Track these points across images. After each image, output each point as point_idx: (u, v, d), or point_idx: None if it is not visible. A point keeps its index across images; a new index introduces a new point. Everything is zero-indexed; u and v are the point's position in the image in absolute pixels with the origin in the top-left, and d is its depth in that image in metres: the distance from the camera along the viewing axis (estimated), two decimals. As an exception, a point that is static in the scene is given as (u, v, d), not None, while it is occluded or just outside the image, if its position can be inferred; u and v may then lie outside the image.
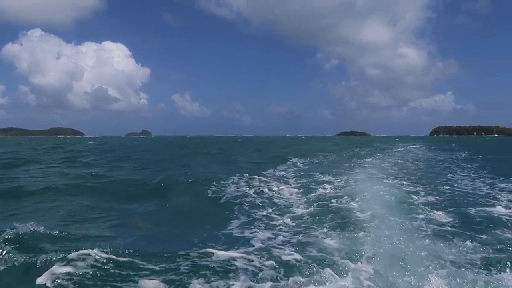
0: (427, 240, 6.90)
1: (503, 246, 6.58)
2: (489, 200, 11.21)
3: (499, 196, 11.83)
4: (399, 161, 26.12)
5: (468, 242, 6.81)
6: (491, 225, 8.03)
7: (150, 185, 14.48)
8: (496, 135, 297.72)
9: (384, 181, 14.85)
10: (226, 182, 14.33)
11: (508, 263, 5.68)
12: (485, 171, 18.88)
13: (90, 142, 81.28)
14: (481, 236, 7.25)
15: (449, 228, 7.91)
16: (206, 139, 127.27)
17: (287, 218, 8.95)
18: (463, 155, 33.18)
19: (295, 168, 20.94)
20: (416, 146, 52.67)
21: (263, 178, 15.79)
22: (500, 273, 5.36)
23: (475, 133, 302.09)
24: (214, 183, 13.83)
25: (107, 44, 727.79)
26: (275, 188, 13.12)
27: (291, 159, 26.34)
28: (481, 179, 16.36)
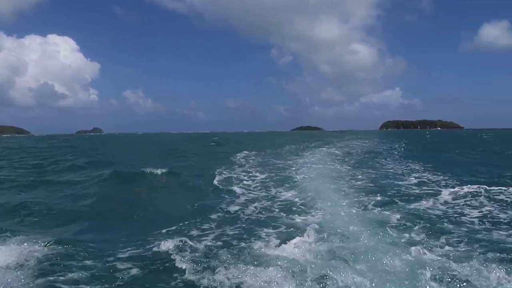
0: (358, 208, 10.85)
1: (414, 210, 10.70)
2: (403, 176, 15.66)
3: (410, 174, 16.36)
4: (344, 151, 30.74)
5: (387, 211, 10.85)
6: (404, 196, 12.25)
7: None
8: (439, 128, 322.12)
9: (328, 166, 19.03)
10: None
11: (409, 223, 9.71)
12: (409, 159, 23.79)
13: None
14: (394, 200, 11.35)
15: (375, 199, 11.95)
16: (158, 136, 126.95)
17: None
18: (396, 145, 39.12)
19: (251, 160, 24.63)
20: (362, 140, 58.49)
21: (225, 171, 19.29)
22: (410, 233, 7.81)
23: (419, 127, 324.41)
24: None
25: (53, 38, 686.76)
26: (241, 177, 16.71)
27: (249, 151, 29.60)
28: (405, 163, 21.12)
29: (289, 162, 21.44)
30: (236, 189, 12.84)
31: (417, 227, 7.85)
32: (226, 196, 11.77)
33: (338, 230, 7.43)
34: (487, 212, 9.30)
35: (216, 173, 16.27)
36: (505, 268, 5.35)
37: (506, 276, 5.13)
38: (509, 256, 5.99)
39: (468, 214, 9.11)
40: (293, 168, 18.22)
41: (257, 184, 13.95)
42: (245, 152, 28.68)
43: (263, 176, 15.87)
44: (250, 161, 22.75)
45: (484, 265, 5.51)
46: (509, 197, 10.75)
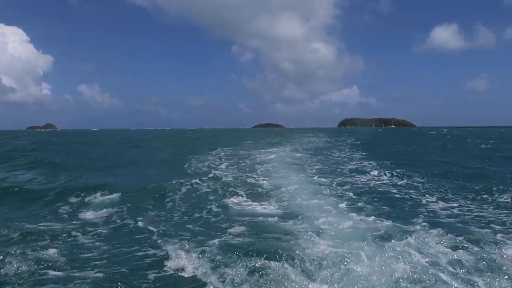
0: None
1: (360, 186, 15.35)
2: (345, 162, 20.51)
3: (352, 161, 21.28)
4: (302, 146, 35.65)
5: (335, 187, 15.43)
6: (343, 174, 16.94)
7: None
8: (393, 126, 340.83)
9: (288, 157, 23.65)
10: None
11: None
12: (359, 151, 28.97)
13: None
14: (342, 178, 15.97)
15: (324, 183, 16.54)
16: (115, 132, 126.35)
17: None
18: (348, 141, 44.87)
19: (221, 156, 28.80)
20: (319, 137, 64.10)
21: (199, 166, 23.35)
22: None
23: (373, 125, 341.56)
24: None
25: (0, 27, 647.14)
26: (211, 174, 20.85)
27: (217, 149, 33.34)
28: (350, 153, 26.21)
29: (253, 155, 25.82)
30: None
31: (349, 192, 12.46)
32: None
33: (296, 197, 11.87)
34: (396, 184, 14.17)
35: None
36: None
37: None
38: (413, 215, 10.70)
39: (378, 186, 13.92)
40: (257, 161, 22.60)
41: (228, 174, 18.19)
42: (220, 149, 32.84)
43: (233, 168, 20.13)
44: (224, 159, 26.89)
45: (398, 224, 10.05)
46: (418, 178, 15.75)
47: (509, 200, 10.73)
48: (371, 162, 20.57)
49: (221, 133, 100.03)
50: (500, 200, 10.82)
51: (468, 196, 11.47)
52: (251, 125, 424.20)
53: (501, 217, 8.86)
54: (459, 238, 6.61)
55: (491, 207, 9.97)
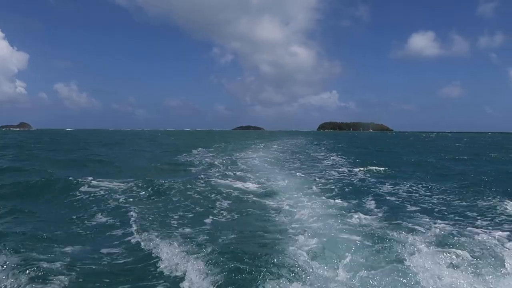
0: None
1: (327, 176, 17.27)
2: (323, 161, 22.52)
3: (329, 159, 23.32)
4: (281, 147, 37.63)
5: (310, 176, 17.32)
6: (321, 170, 18.87)
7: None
8: (371, 130, 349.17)
9: (269, 156, 25.51)
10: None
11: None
12: (332, 152, 31.11)
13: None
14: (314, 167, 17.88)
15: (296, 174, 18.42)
16: (91, 132, 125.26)
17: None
18: (324, 142, 47.39)
19: (202, 156, 30.41)
20: (299, 139, 66.41)
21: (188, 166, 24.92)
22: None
23: (351, 129, 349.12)
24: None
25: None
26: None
27: (197, 149, 34.93)
28: (327, 153, 28.29)
29: (237, 155, 27.57)
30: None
31: (321, 183, 14.36)
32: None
33: (275, 188, 13.69)
34: (364, 178, 16.20)
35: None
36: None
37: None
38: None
39: (347, 179, 15.91)
40: (241, 160, 24.36)
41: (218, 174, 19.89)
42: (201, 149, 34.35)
43: (221, 165, 21.84)
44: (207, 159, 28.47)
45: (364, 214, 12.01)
46: (383, 173, 17.84)
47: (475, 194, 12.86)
48: (347, 160, 22.68)
49: (201, 135, 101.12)
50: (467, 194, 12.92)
51: (435, 191, 13.57)
52: (231, 127, 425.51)
53: (465, 208, 10.25)
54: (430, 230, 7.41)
55: (458, 200, 12.01)
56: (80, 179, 12.83)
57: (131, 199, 10.51)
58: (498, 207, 9.73)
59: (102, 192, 11.35)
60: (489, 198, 10.99)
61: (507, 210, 9.43)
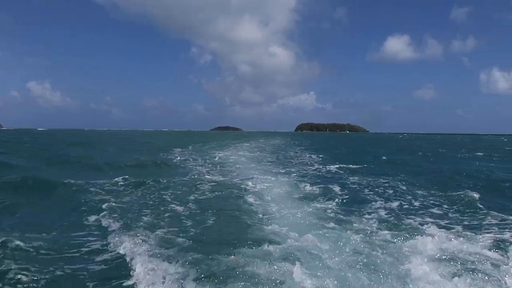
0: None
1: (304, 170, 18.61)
2: (297, 157, 23.92)
3: (304, 156, 24.74)
4: (260, 146, 38.98)
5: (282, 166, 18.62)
6: (297, 165, 20.23)
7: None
8: (348, 131, 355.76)
9: (249, 155, 26.75)
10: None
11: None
12: (308, 151, 32.64)
13: None
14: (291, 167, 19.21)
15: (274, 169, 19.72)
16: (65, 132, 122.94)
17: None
18: (296, 142, 49.19)
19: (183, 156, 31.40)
20: (278, 139, 67.99)
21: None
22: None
23: (327, 130, 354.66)
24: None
25: None
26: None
27: (175, 149, 35.76)
28: (303, 152, 29.77)
29: (215, 153, 28.70)
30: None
31: (299, 176, 15.69)
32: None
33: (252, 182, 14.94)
34: (340, 175, 17.64)
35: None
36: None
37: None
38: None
39: (321, 173, 17.32)
40: (217, 157, 25.50)
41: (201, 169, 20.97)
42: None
43: (204, 164, 22.93)
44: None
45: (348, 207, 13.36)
46: (360, 171, 19.37)
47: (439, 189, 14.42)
48: (321, 158, 24.18)
49: (178, 135, 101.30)
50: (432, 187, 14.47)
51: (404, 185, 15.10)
52: (209, 127, 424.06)
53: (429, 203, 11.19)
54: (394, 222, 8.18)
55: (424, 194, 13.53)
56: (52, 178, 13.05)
57: (106, 197, 10.49)
58: (457, 198, 11.22)
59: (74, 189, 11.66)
60: (452, 191, 12.57)
61: (465, 200, 10.90)
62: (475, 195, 11.00)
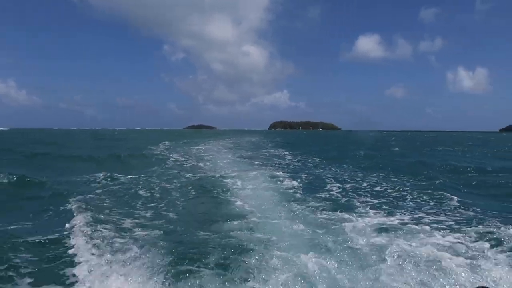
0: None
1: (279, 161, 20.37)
2: (270, 150, 25.73)
3: (276, 151, 26.59)
4: (235, 143, 40.62)
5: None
6: (269, 158, 21.99)
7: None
8: (321, 129, 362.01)
9: (224, 150, 28.38)
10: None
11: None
12: (279, 147, 34.56)
13: None
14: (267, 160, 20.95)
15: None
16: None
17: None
18: (267, 140, 51.26)
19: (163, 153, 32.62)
20: (252, 137, 69.62)
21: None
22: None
23: (300, 127, 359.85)
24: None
25: None
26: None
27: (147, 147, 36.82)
28: (274, 148, 31.67)
29: (190, 149, 30.15)
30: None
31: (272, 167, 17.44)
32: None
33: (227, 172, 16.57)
34: (311, 166, 19.53)
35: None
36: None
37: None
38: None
39: (293, 163, 19.16)
40: (194, 152, 26.98)
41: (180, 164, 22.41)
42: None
43: (182, 158, 24.37)
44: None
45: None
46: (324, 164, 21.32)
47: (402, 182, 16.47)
48: (291, 153, 26.12)
49: (151, 134, 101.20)
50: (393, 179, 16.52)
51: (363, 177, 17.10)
52: (182, 126, 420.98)
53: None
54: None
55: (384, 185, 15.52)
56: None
57: (80, 195, 10.49)
58: (414, 183, 13.31)
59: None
60: (417, 181, 14.54)
61: (426, 184, 13.01)
62: (436, 182, 13.18)
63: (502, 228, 6.98)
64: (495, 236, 6.55)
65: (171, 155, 24.04)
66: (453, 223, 7.77)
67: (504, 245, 6.14)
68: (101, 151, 27.48)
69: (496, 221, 7.62)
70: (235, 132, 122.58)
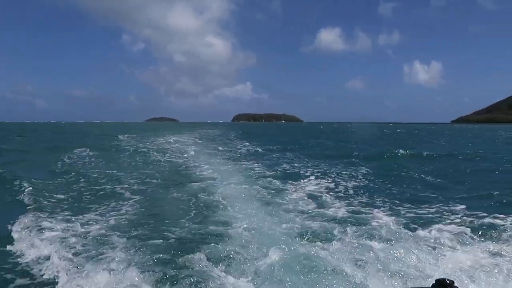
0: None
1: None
2: (231, 142, 27.36)
3: (237, 142, 28.27)
4: (199, 135, 41.86)
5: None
6: (232, 151, 23.58)
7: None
8: (284, 121, 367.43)
9: (188, 143, 29.69)
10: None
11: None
12: (241, 139, 36.27)
13: None
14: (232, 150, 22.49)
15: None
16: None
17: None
18: (233, 131, 52.99)
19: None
20: (214, 130, 70.71)
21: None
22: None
23: (263, 120, 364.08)
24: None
25: None
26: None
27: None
28: (234, 140, 33.35)
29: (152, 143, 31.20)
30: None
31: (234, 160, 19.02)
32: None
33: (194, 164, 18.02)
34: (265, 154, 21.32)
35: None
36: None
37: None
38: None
39: (247, 154, 20.90)
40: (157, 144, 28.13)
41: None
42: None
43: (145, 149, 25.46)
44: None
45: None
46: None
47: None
48: (252, 145, 27.90)
49: (108, 127, 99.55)
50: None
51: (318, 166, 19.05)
52: (143, 118, 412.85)
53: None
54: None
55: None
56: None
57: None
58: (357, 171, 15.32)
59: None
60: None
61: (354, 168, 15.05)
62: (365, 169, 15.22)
63: (465, 219, 7.45)
64: (457, 227, 6.86)
65: (132, 148, 25.01)
66: (389, 211, 8.51)
67: (466, 235, 6.36)
68: (60, 144, 27.92)
69: (459, 211, 8.28)
70: (199, 125, 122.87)
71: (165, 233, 6.71)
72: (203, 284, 4.55)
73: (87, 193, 10.61)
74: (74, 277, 4.84)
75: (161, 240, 6.27)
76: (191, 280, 4.60)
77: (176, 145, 27.13)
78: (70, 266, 5.18)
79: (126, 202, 9.37)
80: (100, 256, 5.49)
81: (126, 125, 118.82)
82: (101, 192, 10.67)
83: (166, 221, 7.60)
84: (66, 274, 4.98)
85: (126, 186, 11.54)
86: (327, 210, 8.41)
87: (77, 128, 74.85)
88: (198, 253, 5.45)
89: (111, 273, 4.85)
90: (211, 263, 5.16)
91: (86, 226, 7.06)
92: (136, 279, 4.66)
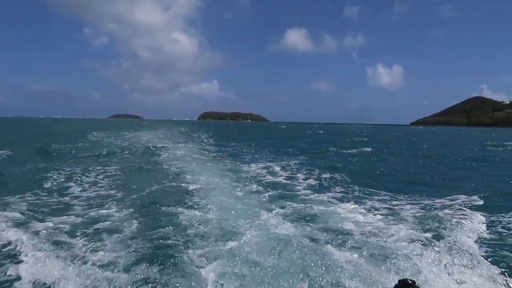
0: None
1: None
2: (201, 142, 28.05)
3: (202, 141, 28.97)
4: (163, 134, 42.03)
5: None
6: (202, 151, 24.28)
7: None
8: (250, 120, 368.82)
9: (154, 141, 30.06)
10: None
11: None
12: (210, 139, 36.96)
13: None
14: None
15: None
16: None
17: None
18: (199, 130, 53.56)
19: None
20: (180, 128, 70.54)
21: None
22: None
23: (228, 118, 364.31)
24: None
25: None
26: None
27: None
28: (200, 139, 34.02)
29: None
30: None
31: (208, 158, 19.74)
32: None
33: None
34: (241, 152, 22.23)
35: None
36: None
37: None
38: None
39: (217, 150, 21.77)
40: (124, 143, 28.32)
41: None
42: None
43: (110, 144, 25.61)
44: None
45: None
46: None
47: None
48: (219, 145, 28.74)
49: (68, 124, 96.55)
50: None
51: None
52: (106, 115, 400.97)
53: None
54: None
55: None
56: None
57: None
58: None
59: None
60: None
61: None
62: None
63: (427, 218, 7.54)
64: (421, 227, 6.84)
65: (97, 147, 25.15)
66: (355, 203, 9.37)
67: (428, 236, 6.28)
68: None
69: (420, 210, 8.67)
70: (164, 123, 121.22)
71: (137, 226, 6.77)
72: (178, 270, 4.80)
73: (56, 194, 9.98)
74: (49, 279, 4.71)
75: (132, 233, 6.35)
76: (167, 265, 4.88)
77: (147, 140, 27.47)
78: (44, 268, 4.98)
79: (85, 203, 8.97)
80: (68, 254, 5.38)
81: (89, 122, 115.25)
82: (70, 195, 9.97)
83: (136, 214, 7.58)
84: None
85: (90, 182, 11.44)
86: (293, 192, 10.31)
87: (34, 123, 72.05)
88: (170, 240, 5.93)
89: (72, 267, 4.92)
90: (185, 248, 5.55)
91: (60, 228, 6.70)
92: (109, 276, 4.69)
